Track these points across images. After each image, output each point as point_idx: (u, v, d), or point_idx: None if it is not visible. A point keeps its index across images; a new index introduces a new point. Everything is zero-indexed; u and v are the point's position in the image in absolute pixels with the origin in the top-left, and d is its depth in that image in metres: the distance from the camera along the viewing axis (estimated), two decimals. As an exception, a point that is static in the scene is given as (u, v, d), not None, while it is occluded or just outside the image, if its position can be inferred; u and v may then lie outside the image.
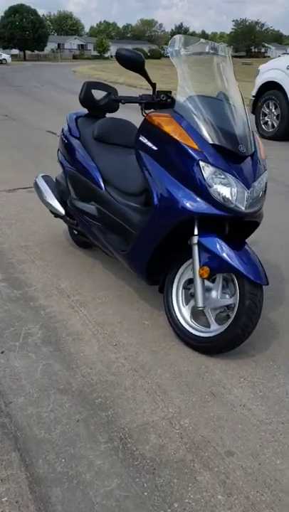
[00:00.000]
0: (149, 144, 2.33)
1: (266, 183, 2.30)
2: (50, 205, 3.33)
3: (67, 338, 2.47)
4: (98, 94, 3.23)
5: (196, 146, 2.14)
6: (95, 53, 76.03)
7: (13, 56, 57.58)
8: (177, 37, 2.39)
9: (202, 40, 2.46)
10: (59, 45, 77.05)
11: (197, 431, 1.89)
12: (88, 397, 2.06)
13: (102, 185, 2.87)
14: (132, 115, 3.40)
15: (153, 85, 2.42)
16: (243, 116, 2.31)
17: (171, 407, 2.01)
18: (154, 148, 2.30)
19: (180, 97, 2.27)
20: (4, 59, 46.77)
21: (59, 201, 3.32)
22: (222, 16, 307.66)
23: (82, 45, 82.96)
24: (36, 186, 3.50)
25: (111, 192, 2.83)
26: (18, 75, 26.72)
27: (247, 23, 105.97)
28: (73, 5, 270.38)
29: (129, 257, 2.54)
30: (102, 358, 2.31)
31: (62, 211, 3.27)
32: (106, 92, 3.28)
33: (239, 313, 2.17)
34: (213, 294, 2.32)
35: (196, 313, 2.43)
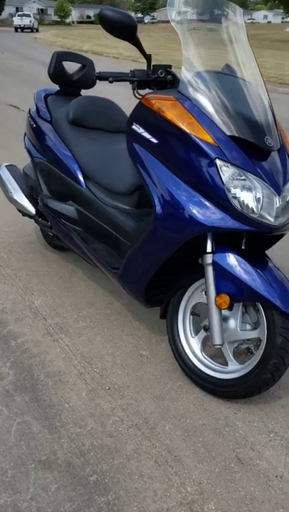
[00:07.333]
0: (146, 135, 1.79)
1: None
2: (18, 202, 2.76)
3: (46, 380, 1.96)
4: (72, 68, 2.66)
5: (210, 140, 1.61)
6: (56, 18, 72.42)
7: None
8: None
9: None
10: (17, 9, 72.81)
11: (228, 522, 1.44)
12: (80, 473, 1.57)
13: (82, 181, 2.33)
14: (115, 92, 2.83)
15: (148, 58, 1.87)
16: (265, 99, 1.80)
17: (189, 484, 1.55)
18: (154, 140, 1.76)
19: (186, 73, 1.73)
20: None
21: (28, 198, 2.75)
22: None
23: (42, 10, 78.73)
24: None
25: (93, 190, 2.29)
26: (-25, 41, 25.06)
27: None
28: None
29: (123, 277, 2.02)
30: (93, 411, 1.82)
31: (32, 210, 2.71)
32: (80, 65, 2.70)
33: (268, 353, 1.70)
34: (231, 324, 1.84)
35: (208, 345, 1.96)
